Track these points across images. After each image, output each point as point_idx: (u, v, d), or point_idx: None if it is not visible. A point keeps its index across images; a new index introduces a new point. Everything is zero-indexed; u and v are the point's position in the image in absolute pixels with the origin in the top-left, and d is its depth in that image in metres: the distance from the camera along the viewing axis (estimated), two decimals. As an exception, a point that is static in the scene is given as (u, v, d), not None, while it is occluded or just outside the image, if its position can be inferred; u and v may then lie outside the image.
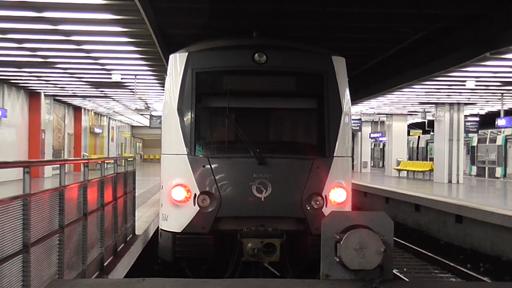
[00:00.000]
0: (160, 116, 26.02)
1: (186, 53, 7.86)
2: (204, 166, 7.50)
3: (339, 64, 8.02)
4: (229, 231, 7.38)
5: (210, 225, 7.37)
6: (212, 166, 7.48)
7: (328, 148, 7.69)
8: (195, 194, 7.42)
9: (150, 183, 22.21)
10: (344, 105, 7.90)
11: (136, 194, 11.09)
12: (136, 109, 27.42)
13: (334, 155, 7.67)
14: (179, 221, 7.46)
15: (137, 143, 58.58)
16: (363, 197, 23.75)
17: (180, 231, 7.43)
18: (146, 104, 26.01)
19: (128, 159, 10.42)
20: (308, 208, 7.41)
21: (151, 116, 27.29)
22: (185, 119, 7.70)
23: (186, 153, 7.59)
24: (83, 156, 30.99)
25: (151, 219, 11.47)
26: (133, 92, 22.02)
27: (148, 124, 29.16)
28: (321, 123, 7.81)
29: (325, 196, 7.50)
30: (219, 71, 7.89)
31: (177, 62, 7.91)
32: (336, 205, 7.53)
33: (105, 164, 8.01)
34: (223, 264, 7.42)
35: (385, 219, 5.07)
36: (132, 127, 52.36)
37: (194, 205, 7.41)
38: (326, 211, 7.24)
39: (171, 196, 7.52)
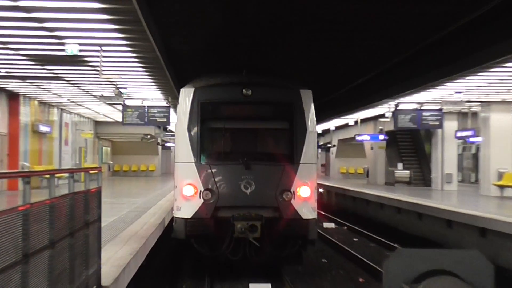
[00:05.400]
0: (139, 107, 26.34)
1: (193, 88, 16.07)
2: (207, 171, 15.51)
3: (305, 96, 16.05)
4: (224, 216, 15.12)
5: (211, 212, 15.29)
6: (213, 170, 15.51)
7: (295, 157, 15.64)
8: (201, 191, 15.39)
9: (123, 208, 22.26)
10: (309, 125, 15.87)
11: (103, 225, 11.10)
12: (102, 96, 27.47)
13: (300, 162, 15.60)
14: (189, 210, 15.42)
15: (104, 148, 58.85)
16: (445, 227, 23.60)
17: (190, 217, 15.37)
18: (118, 89, 26.04)
19: (91, 172, 10.45)
20: (281, 200, 15.31)
21: (125, 106, 27.34)
22: (192, 137, 15.72)
23: (193, 161, 15.63)
24: (22, 168, 31.20)
25: (125, 261, 11.50)
26: (97, 71, 22.11)
27: (120, 119, 29.21)
28: (291, 139, 15.81)
29: (293, 191, 15.39)
30: (217, 102, 16.07)
31: (186, 95, 16.02)
32: (302, 199, 15.44)
33: (56, 179, 8.04)
34: (221, 239, 15.18)
35: (480, 262, 5.01)
36: (96, 123, 52.64)
37: (200, 198, 15.37)
38: (294, 202, 15.37)
39: (183, 193, 15.46)
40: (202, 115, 15.87)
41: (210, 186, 15.43)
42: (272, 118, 16.34)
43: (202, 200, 15.39)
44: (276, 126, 16.39)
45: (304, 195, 15.45)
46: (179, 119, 16.11)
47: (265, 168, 15.64)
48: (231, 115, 16.17)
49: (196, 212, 15.39)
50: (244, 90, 15.93)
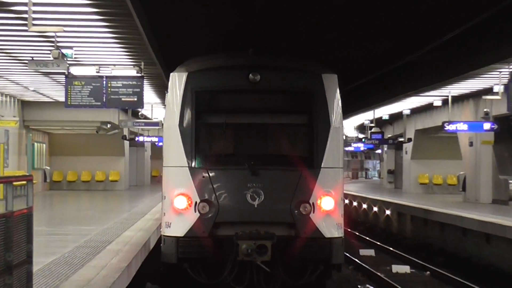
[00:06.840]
0: (93, 78, 26.53)
1: (186, 73, 19.12)
2: (203, 177, 18.56)
3: (329, 82, 19.19)
4: (226, 235, 18.06)
5: (209, 230, 18.30)
6: (211, 177, 18.57)
7: (316, 160, 18.76)
8: (196, 202, 18.40)
9: (69, 242, 22.44)
10: (333, 120, 18.96)
11: (36, 269, 11.14)
12: (33, 60, 27.60)
13: (322, 166, 18.71)
14: (182, 227, 18.43)
15: (36, 144, 58.98)
16: None
17: (182, 235, 18.36)
18: (58, 49, 26.14)
19: (15, 183, 10.52)
20: (297, 214, 18.38)
21: (71, 78, 27.27)
22: (185, 134, 18.76)
23: (187, 165, 18.72)
24: None
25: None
26: (25, 20, 22.18)
27: (62, 99, 29.21)
28: (310, 137, 18.97)
29: (313, 203, 18.42)
30: (217, 90, 19.39)
31: (177, 81, 19.10)
32: (324, 212, 18.48)
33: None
34: (221, 263, 17.90)
35: None
36: (24, 105, 52.75)
37: (195, 212, 18.38)
38: (314, 217, 18.36)
39: (174, 205, 18.52)
40: (197, 107, 19.09)
41: (207, 197, 18.66)
42: (286, 110, 19.81)
43: (198, 214, 18.52)
44: (291, 120, 19.65)
45: (326, 207, 18.67)
46: (168, 112, 19.37)
47: (277, 174, 18.94)
48: (234, 106, 19.66)
49: (190, 230, 18.48)
50: (250, 75, 19.16)
